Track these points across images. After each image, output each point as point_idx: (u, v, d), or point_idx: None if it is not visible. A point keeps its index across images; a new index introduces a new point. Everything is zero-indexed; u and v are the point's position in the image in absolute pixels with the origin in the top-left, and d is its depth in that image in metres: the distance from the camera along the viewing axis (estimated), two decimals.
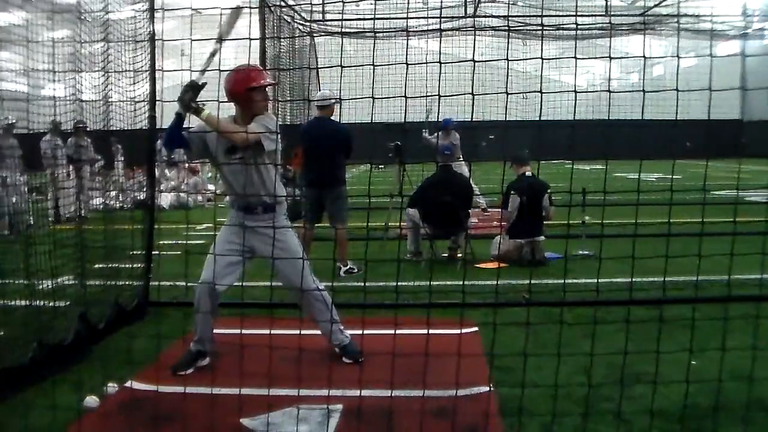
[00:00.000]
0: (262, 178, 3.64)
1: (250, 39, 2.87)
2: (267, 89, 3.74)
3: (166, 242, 6.25)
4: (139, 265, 5.01)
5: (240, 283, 3.73)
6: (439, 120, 10.26)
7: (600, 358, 2.80)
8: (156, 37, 4.81)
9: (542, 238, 6.77)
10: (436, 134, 10.43)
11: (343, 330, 3.89)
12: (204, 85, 3.39)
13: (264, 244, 3.55)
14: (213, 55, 3.42)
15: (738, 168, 13.62)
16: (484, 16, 11.55)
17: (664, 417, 2.92)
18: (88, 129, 4.77)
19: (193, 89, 3.36)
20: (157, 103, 4.87)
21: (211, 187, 15.17)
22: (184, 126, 3.50)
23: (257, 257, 3.79)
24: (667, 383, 3.01)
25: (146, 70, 4.81)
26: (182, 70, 3.37)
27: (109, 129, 4.70)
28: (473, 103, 2.71)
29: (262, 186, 3.63)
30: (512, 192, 6.81)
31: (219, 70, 3.12)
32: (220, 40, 3.40)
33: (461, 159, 10.26)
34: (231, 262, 3.62)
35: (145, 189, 5.30)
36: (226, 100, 3.53)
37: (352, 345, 3.88)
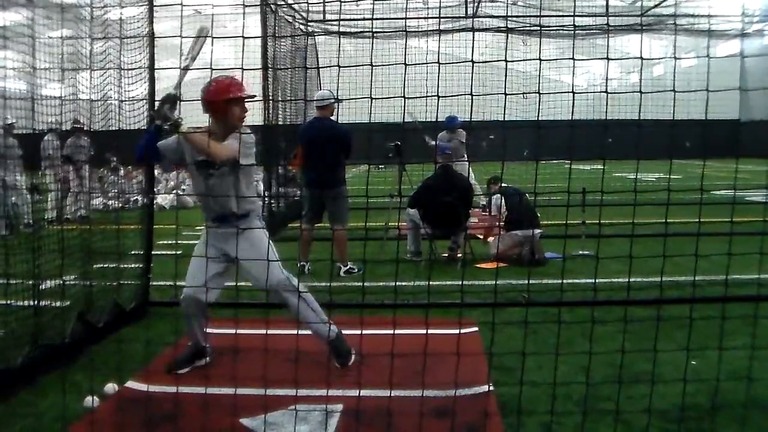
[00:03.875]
0: (236, 191, 3.55)
1: (243, 37, 2.82)
2: (245, 102, 3.60)
3: (164, 242, 6.26)
4: (139, 265, 5.01)
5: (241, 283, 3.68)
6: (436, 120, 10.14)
7: (599, 357, 2.81)
8: (155, 36, 4.82)
9: (539, 231, 6.76)
10: (430, 135, 10.31)
11: (331, 326, 3.68)
12: (180, 97, 3.26)
13: (232, 246, 3.43)
14: (185, 70, 3.33)
15: (736, 168, 13.62)
16: (485, 16, 11.55)
17: (662, 416, 2.93)
18: (85, 128, 4.77)
19: (170, 102, 3.24)
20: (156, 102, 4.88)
21: None
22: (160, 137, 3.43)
23: (233, 260, 3.64)
24: (666, 383, 3.02)
25: (146, 67, 4.81)
26: (179, 68, 3.34)
27: (108, 129, 4.71)
28: (472, 103, 2.71)
29: (235, 198, 3.53)
30: (492, 197, 7.14)
31: (211, 68, 2.98)
32: (186, 69, 3.32)
33: (465, 158, 10.17)
34: (212, 272, 3.54)
35: (144, 189, 5.30)
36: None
37: (341, 342, 3.73)
